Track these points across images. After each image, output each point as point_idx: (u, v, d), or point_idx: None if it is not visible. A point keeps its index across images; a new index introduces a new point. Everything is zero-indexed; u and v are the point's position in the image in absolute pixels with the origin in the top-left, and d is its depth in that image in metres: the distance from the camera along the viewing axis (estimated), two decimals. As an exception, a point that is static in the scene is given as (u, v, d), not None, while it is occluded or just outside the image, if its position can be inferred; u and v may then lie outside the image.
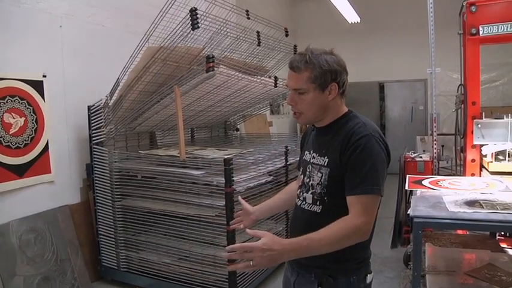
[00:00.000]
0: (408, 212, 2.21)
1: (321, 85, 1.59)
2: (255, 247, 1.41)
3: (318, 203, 1.65)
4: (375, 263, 4.28)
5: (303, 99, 1.61)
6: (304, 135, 1.94)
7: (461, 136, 4.02)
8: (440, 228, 3.03)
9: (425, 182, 2.81)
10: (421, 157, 4.62)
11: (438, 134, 4.55)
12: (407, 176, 3.07)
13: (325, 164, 1.63)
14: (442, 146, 4.92)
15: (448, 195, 2.44)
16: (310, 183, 1.69)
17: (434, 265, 2.53)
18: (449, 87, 7.49)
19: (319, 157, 1.67)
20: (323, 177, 1.63)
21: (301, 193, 1.74)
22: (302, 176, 1.77)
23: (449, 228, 2.97)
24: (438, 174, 4.22)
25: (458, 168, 4.49)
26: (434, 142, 4.45)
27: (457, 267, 2.51)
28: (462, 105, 3.99)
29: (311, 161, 1.71)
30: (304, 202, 1.71)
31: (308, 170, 1.71)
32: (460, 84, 4.09)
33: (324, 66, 1.58)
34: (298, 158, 1.97)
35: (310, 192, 1.68)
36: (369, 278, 1.71)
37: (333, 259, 1.58)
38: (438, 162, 4.49)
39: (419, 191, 2.59)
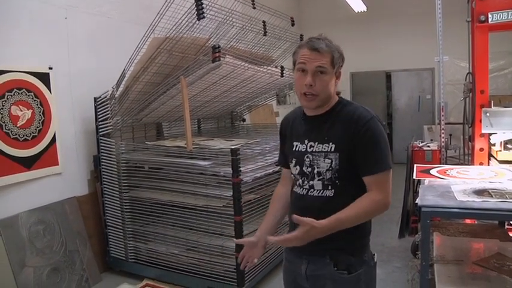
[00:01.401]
0: (416, 202, 2.19)
1: (336, 70, 1.69)
2: (295, 238, 1.55)
3: (329, 187, 1.70)
4: (383, 253, 4.28)
5: (323, 79, 1.66)
6: (284, 126, 1.94)
7: (470, 125, 3.98)
8: (449, 218, 3.01)
9: (433, 171, 2.78)
10: (428, 146, 4.58)
11: (446, 123, 4.50)
12: (415, 165, 3.05)
13: (332, 150, 1.68)
14: (450, 135, 4.88)
15: (457, 184, 2.41)
16: (315, 172, 1.72)
17: (442, 254, 2.52)
18: (457, 75, 7.43)
19: (320, 145, 1.71)
20: (333, 162, 1.67)
21: (304, 182, 1.76)
22: (297, 167, 1.79)
23: (457, 218, 2.95)
24: (446, 164, 4.19)
25: (466, 158, 4.46)
26: (442, 131, 4.40)
27: (466, 257, 2.50)
28: (470, 94, 3.95)
29: (309, 150, 1.74)
30: (312, 189, 1.74)
31: (308, 160, 1.74)
32: (468, 73, 4.04)
33: (340, 51, 1.69)
34: None
35: (318, 179, 1.71)
36: (376, 257, 1.82)
37: (347, 239, 1.68)
38: (446, 152, 4.45)
39: (427, 180, 2.57)
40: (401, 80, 9.90)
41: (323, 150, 1.70)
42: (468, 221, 3.27)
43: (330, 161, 1.68)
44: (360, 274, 1.72)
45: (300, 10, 9.87)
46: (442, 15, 4.26)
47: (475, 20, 3.61)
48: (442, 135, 4.39)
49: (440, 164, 4.14)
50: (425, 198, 2.15)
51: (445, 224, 3.13)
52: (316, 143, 1.72)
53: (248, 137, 4.47)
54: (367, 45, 9.49)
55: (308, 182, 1.75)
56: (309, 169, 1.74)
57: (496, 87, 8.02)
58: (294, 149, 1.81)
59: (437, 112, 4.71)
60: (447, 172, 2.77)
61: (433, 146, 4.56)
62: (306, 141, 1.76)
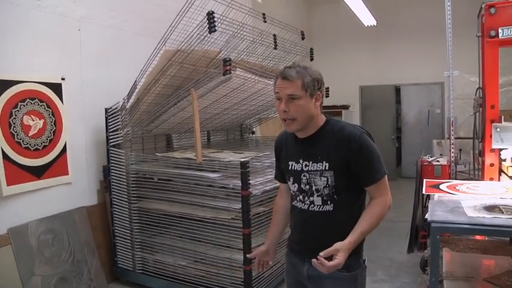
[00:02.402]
0: (426, 217, 2.18)
1: (311, 92, 1.79)
2: (339, 263, 1.66)
3: (329, 203, 1.84)
4: (391, 267, 4.25)
5: (297, 104, 1.77)
6: (277, 146, 2.08)
7: (480, 140, 3.96)
8: (459, 234, 2.98)
9: (442, 187, 2.77)
10: (438, 161, 4.56)
11: (455, 138, 4.49)
12: (425, 180, 3.03)
13: (326, 168, 1.81)
14: (460, 150, 4.86)
15: (467, 199, 2.40)
16: (313, 189, 1.85)
17: (452, 271, 2.50)
18: (466, 90, 7.39)
19: (314, 164, 1.84)
20: (329, 179, 1.81)
21: (304, 198, 1.89)
22: (295, 184, 1.92)
23: (468, 234, 2.91)
24: (456, 179, 4.16)
25: (476, 173, 4.43)
26: (452, 146, 4.39)
27: (476, 274, 2.48)
28: (480, 109, 3.94)
29: (305, 169, 1.87)
30: (312, 205, 1.87)
31: (305, 178, 1.87)
32: (478, 88, 4.03)
33: (313, 75, 1.80)
34: None
35: (317, 196, 1.85)
36: (366, 261, 1.94)
37: None
38: (456, 166, 4.43)
39: (436, 196, 2.56)
40: (410, 94, 9.88)
41: (318, 169, 1.83)
42: (478, 237, 3.24)
43: (325, 178, 1.81)
44: (356, 274, 1.86)
45: (309, 24, 9.93)
46: (452, 30, 4.26)
47: (485, 35, 3.60)
48: (452, 150, 4.36)
49: (449, 179, 4.11)
50: (435, 214, 2.14)
51: (455, 240, 3.10)
52: (311, 162, 1.85)
53: (257, 149, 4.48)
54: (377, 59, 9.52)
55: (309, 198, 1.88)
56: (307, 186, 1.87)
57: (507, 101, 7.97)
58: (290, 168, 1.93)
59: (447, 126, 4.70)
60: (457, 187, 2.75)
61: (443, 161, 4.54)
62: (301, 161, 1.88)
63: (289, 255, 2.06)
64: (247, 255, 2.06)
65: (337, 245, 1.68)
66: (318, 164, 1.82)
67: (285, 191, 2.13)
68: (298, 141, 1.92)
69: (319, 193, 1.84)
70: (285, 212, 2.12)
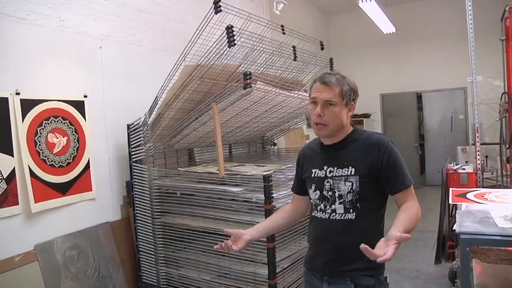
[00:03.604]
0: (454, 228, 2.12)
1: (346, 101, 1.83)
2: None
3: (351, 211, 1.82)
4: (419, 279, 4.16)
5: (332, 111, 1.81)
6: (301, 157, 2.09)
7: (507, 146, 3.87)
8: (489, 245, 2.90)
9: (469, 196, 2.70)
10: (463, 169, 4.48)
11: (481, 144, 4.39)
12: (451, 189, 2.97)
13: (352, 173, 1.81)
14: (486, 156, 4.75)
15: (496, 209, 2.33)
16: (336, 195, 1.84)
17: (484, 283, 2.42)
18: (490, 94, 7.29)
19: (339, 169, 1.85)
20: (354, 185, 1.81)
21: (326, 206, 1.88)
22: (317, 191, 1.91)
23: (499, 245, 2.82)
24: (483, 186, 4.07)
25: (504, 179, 4.33)
26: (478, 153, 4.30)
27: (509, 286, 2.40)
28: (506, 114, 3.86)
29: (329, 175, 1.87)
30: (334, 213, 1.85)
31: (328, 184, 1.87)
32: (503, 93, 3.96)
33: (351, 85, 1.85)
34: None
35: (339, 203, 1.83)
36: (388, 278, 1.90)
37: (366, 261, 1.65)
38: (482, 174, 4.34)
39: (464, 205, 2.50)
40: (432, 100, 9.77)
41: (343, 174, 1.83)
42: (510, 247, 3.15)
43: (350, 183, 1.81)
44: None
45: (328, 33, 9.92)
46: (474, 35, 4.20)
47: (509, 38, 3.54)
48: (478, 157, 4.27)
49: (476, 187, 4.02)
50: (463, 225, 2.08)
51: (485, 251, 3.01)
52: (336, 168, 1.86)
53: (279, 161, 4.45)
54: (397, 66, 9.44)
55: (330, 207, 1.86)
56: (330, 193, 1.86)
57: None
58: (313, 175, 1.94)
59: (472, 132, 4.61)
60: (485, 196, 2.68)
61: (469, 169, 4.45)
62: (325, 168, 1.89)
63: (307, 274, 2.03)
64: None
65: (393, 236, 1.54)
66: (344, 170, 1.83)
67: (296, 201, 2.15)
68: (324, 149, 1.94)
69: (342, 200, 1.82)
70: (286, 216, 2.13)
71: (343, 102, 1.81)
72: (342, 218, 1.83)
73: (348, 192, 1.81)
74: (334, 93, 1.79)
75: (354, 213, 1.82)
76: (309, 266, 2.02)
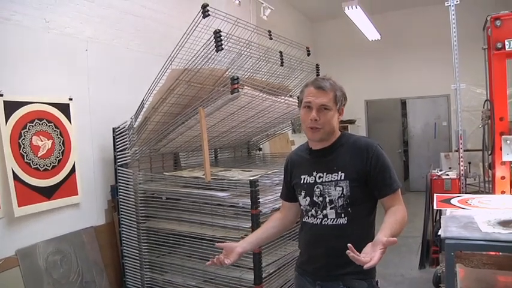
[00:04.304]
0: (439, 233, 2.15)
1: (339, 107, 1.87)
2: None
3: (342, 215, 1.83)
4: (403, 284, 4.19)
5: (327, 115, 1.83)
6: (289, 163, 2.09)
7: (490, 153, 3.93)
8: (474, 250, 2.93)
9: (454, 201, 2.74)
10: (447, 175, 4.53)
11: (464, 150, 4.45)
12: (435, 194, 3.00)
13: (342, 178, 1.82)
14: (469, 163, 4.82)
15: (480, 214, 2.36)
16: (327, 200, 1.84)
17: (467, 287, 2.45)
18: (473, 102, 7.39)
19: (329, 175, 1.85)
20: (345, 189, 1.81)
21: (317, 212, 1.88)
22: (307, 198, 1.91)
23: (483, 250, 2.86)
24: (466, 192, 4.12)
25: (486, 185, 4.39)
26: (461, 159, 4.35)
27: (492, 290, 2.43)
28: (489, 121, 3.91)
29: (318, 181, 1.87)
30: (326, 219, 1.85)
31: (318, 190, 1.87)
32: (486, 100, 4.01)
33: (342, 90, 1.90)
34: None
35: (330, 208, 1.84)
36: (379, 283, 1.93)
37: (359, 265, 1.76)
38: (465, 180, 4.39)
39: (449, 211, 2.53)
40: (416, 107, 9.90)
41: (333, 179, 1.84)
42: (492, 252, 3.19)
43: (341, 188, 1.82)
44: None
45: (314, 39, 9.98)
46: (458, 43, 4.26)
47: (491, 47, 3.60)
48: (461, 163, 4.33)
49: (460, 192, 4.08)
50: (448, 230, 2.10)
51: (468, 255, 3.05)
52: (325, 173, 1.86)
53: (265, 166, 4.46)
54: (382, 73, 9.55)
55: (322, 212, 1.86)
56: (320, 198, 1.86)
57: (514, 113, 7.93)
58: (302, 182, 1.94)
59: (455, 139, 4.67)
60: (468, 202, 2.72)
61: (452, 175, 4.51)
62: (314, 173, 1.89)
63: (299, 278, 2.02)
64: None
65: (379, 241, 1.55)
66: (333, 175, 1.84)
67: (286, 209, 2.14)
68: (312, 154, 1.95)
69: (333, 205, 1.83)
70: (276, 225, 2.11)
71: (336, 107, 1.85)
72: (334, 223, 1.84)
73: (339, 197, 1.82)
74: (329, 98, 1.82)
75: (346, 218, 1.82)
76: (301, 271, 2.01)
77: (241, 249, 1.95)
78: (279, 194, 2.27)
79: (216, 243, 2.02)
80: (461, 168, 4.32)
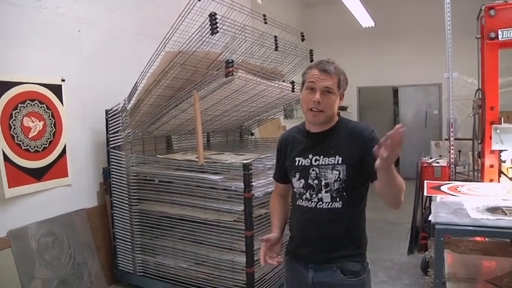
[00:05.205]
0: (429, 218, 2.18)
1: (341, 91, 1.88)
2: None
3: (337, 199, 1.82)
4: (392, 269, 4.25)
5: (330, 98, 1.82)
6: (282, 144, 2.04)
7: (479, 141, 3.97)
8: (463, 235, 2.99)
9: (444, 188, 2.78)
10: (438, 162, 4.57)
11: (455, 139, 4.49)
12: (425, 181, 3.04)
13: (339, 162, 1.81)
14: (459, 151, 4.87)
15: (469, 201, 2.40)
16: (322, 183, 1.83)
17: (454, 272, 2.49)
18: (464, 91, 7.44)
19: (326, 158, 1.83)
20: (341, 173, 1.80)
21: (312, 195, 1.86)
22: (301, 180, 1.88)
23: (472, 236, 2.92)
24: (455, 180, 4.17)
25: (475, 174, 4.44)
26: (452, 147, 4.40)
27: (478, 275, 2.47)
28: (480, 110, 3.95)
29: (314, 164, 1.85)
30: (321, 202, 1.84)
31: (314, 173, 1.85)
32: (477, 89, 4.04)
33: (345, 75, 1.90)
34: None
35: (325, 191, 1.82)
36: (369, 264, 1.95)
37: (351, 248, 1.85)
38: (455, 168, 4.44)
39: (439, 197, 2.56)
40: (408, 95, 9.93)
41: (330, 163, 1.82)
42: (478, 238, 3.25)
43: (337, 172, 1.81)
44: (364, 278, 1.87)
45: (307, 25, 9.91)
46: (452, 32, 4.27)
47: (485, 37, 3.61)
48: (452, 151, 4.37)
49: (449, 180, 4.12)
50: (438, 216, 2.14)
51: (455, 241, 3.11)
52: (322, 157, 1.84)
53: (257, 150, 4.47)
54: (375, 60, 9.55)
55: (316, 195, 1.84)
56: (316, 181, 1.84)
57: (504, 103, 7.98)
58: (296, 164, 1.90)
59: (446, 128, 4.71)
60: (458, 189, 2.76)
61: (442, 162, 4.55)
62: (310, 156, 1.87)
63: (290, 262, 1.99)
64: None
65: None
66: (330, 158, 1.82)
67: (280, 188, 2.11)
68: (310, 137, 1.91)
69: (328, 188, 1.82)
70: (282, 203, 2.09)
71: (338, 92, 1.85)
72: (329, 206, 1.83)
73: (335, 181, 1.81)
74: (333, 82, 1.81)
75: (341, 202, 1.81)
76: (292, 256, 1.98)
77: (280, 236, 1.95)
78: (272, 177, 2.26)
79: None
80: (452, 156, 4.37)
